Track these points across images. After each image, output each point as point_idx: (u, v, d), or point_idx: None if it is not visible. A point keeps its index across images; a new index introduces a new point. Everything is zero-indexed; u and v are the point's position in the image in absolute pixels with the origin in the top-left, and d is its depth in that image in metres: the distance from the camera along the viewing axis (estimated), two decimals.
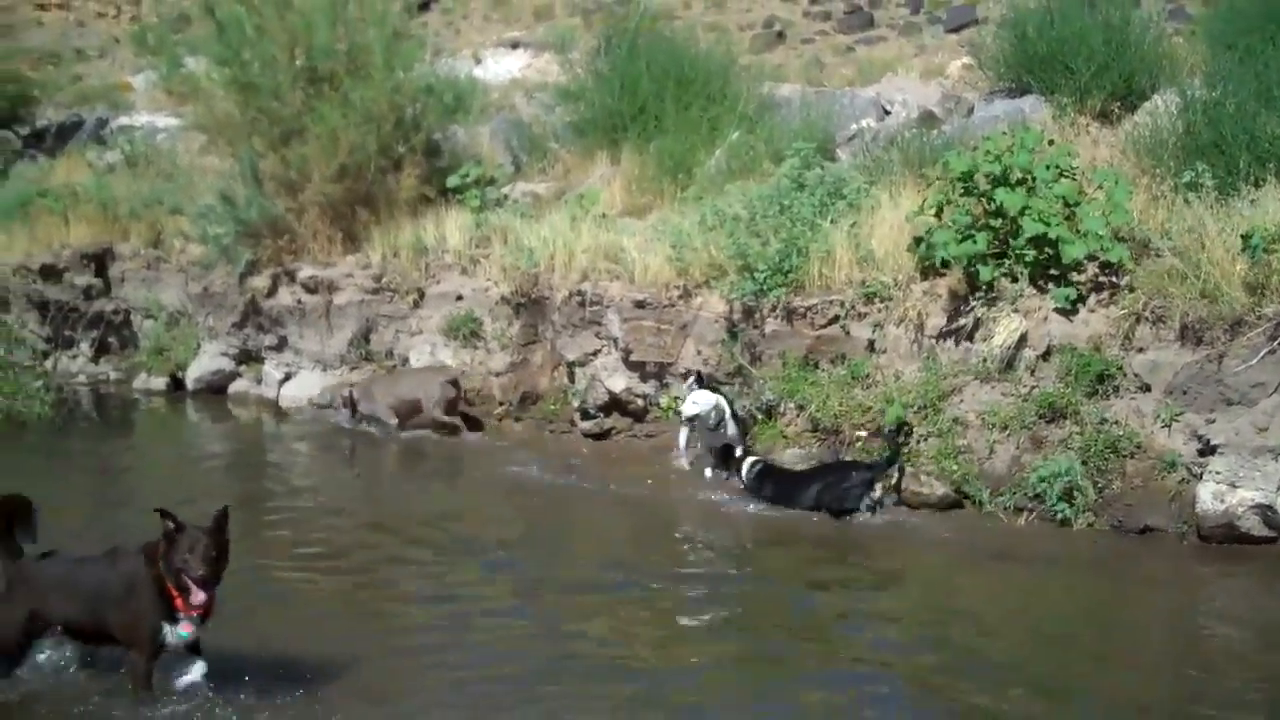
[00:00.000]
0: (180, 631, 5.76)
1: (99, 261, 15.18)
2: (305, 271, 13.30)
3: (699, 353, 10.81)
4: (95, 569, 5.92)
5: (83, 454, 11.71)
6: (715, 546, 8.82)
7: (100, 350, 15.27)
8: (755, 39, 24.68)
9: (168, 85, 17.52)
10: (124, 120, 19.55)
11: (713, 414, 9.89)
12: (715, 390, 10.19)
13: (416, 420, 11.82)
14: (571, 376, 11.84)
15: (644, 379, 11.28)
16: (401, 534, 8.86)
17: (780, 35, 25.32)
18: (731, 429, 10.04)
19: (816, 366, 10.20)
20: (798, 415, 10.11)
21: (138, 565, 5.74)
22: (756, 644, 6.88)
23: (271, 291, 13.49)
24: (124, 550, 5.89)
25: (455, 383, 11.82)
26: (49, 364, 14.61)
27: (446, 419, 11.73)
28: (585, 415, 11.52)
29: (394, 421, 11.90)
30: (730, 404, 10.13)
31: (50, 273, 15.04)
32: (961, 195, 9.71)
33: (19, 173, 17.43)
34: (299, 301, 13.30)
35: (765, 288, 10.31)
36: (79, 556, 6.08)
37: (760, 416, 10.33)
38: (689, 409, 9.88)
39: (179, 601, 5.65)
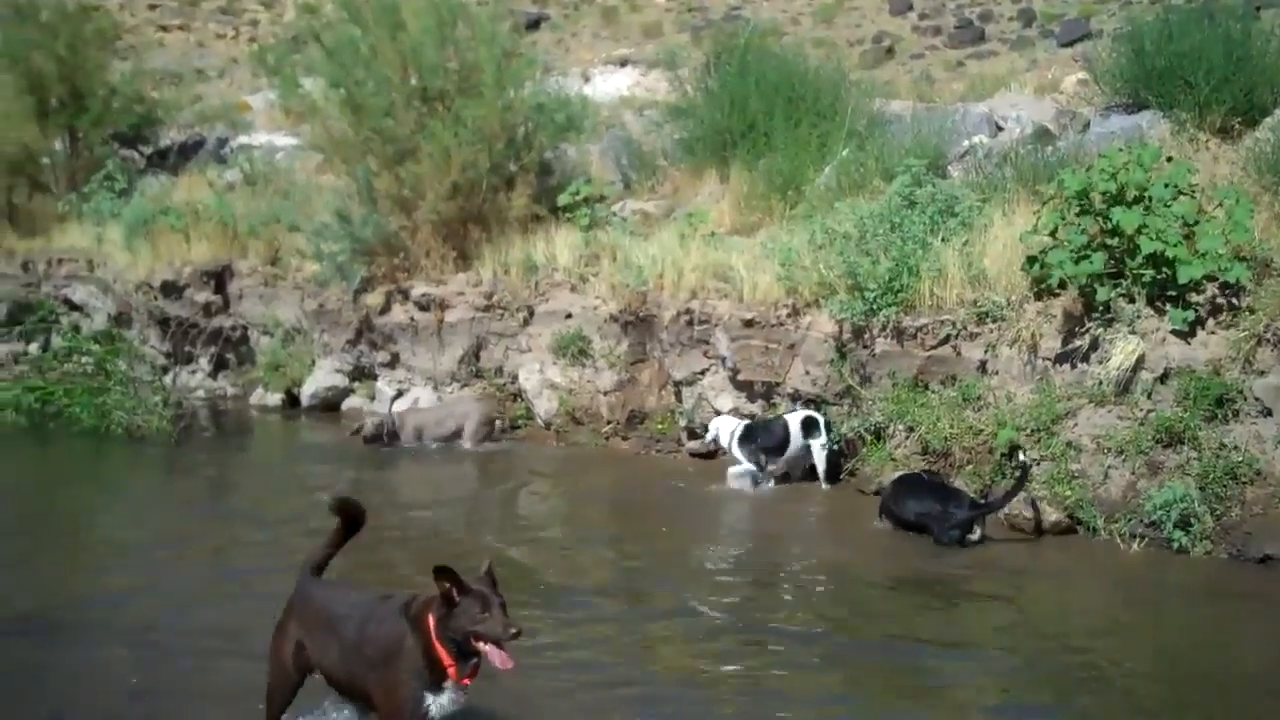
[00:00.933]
0: (444, 702, 5.15)
1: (218, 278, 15.54)
2: (418, 289, 13.49)
3: (807, 372, 10.76)
4: (362, 616, 5.33)
5: (200, 469, 11.97)
6: (822, 567, 8.77)
7: (219, 366, 15.63)
8: (864, 54, 24.55)
9: (285, 105, 17.95)
10: (243, 139, 20.00)
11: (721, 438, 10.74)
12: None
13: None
14: (679, 395, 11.87)
15: (752, 398, 11.26)
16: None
17: (890, 50, 25.17)
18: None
19: (927, 388, 10.10)
20: (907, 437, 10.02)
21: (403, 627, 5.15)
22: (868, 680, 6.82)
23: (385, 309, 13.70)
24: (392, 603, 5.33)
25: (489, 413, 12.43)
26: (169, 379, 14.95)
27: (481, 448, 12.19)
28: (692, 434, 11.54)
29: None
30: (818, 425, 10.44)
31: (171, 289, 15.43)
32: (1077, 214, 9.55)
33: (142, 191, 17.90)
34: (411, 319, 13.49)
35: (875, 307, 10.24)
36: (354, 597, 5.57)
37: (868, 437, 10.25)
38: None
39: (452, 670, 5.08)
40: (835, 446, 10.51)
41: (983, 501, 9.00)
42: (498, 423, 12.61)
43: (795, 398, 10.94)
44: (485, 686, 5.52)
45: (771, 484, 10.57)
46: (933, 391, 10.06)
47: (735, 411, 11.24)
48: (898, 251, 10.38)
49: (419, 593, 5.29)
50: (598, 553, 9.13)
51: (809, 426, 10.44)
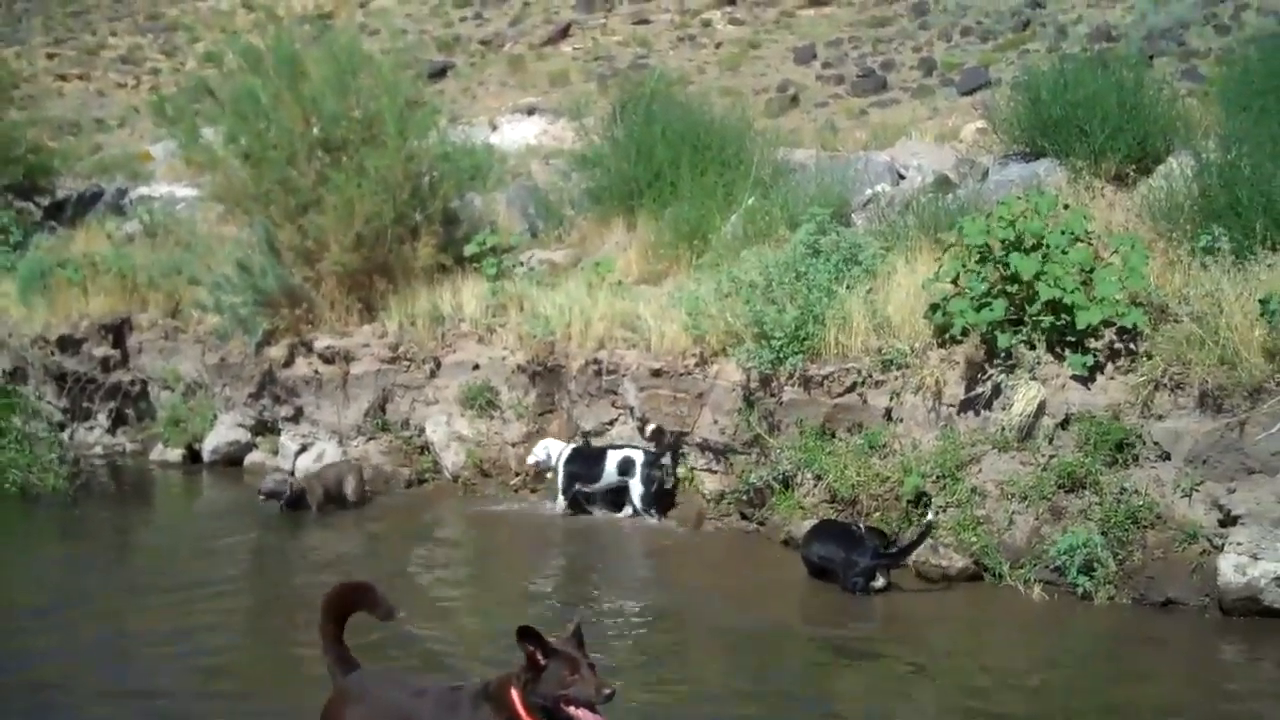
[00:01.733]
0: None
1: (117, 332, 15.19)
2: (322, 341, 13.30)
3: (715, 421, 10.76)
4: (435, 709, 4.99)
5: (98, 529, 11.69)
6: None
7: (117, 421, 15.25)
8: (770, 103, 24.82)
9: (186, 156, 17.67)
10: (143, 190, 19.65)
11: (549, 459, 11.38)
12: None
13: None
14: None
15: (659, 447, 11.21)
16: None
17: (794, 99, 25.48)
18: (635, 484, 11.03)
19: (834, 436, 10.13)
20: (815, 485, 10.03)
21: (485, 712, 4.83)
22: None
23: (288, 362, 13.47)
24: (468, 689, 5.02)
25: (361, 472, 12.21)
26: (66, 435, 14.58)
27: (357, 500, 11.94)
28: None
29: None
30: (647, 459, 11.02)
31: (68, 344, 15.06)
32: (977, 262, 9.66)
33: (38, 243, 17.48)
34: (316, 372, 13.29)
35: (782, 355, 10.26)
36: (417, 688, 5.23)
37: (776, 486, 10.25)
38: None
39: None
40: (666, 485, 11.13)
41: (885, 551, 9.01)
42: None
43: (704, 447, 10.92)
44: None
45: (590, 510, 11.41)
46: (840, 439, 10.09)
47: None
48: (803, 300, 10.43)
49: (495, 675, 4.98)
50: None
51: (625, 466, 11.02)
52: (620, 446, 11.34)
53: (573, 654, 4.73)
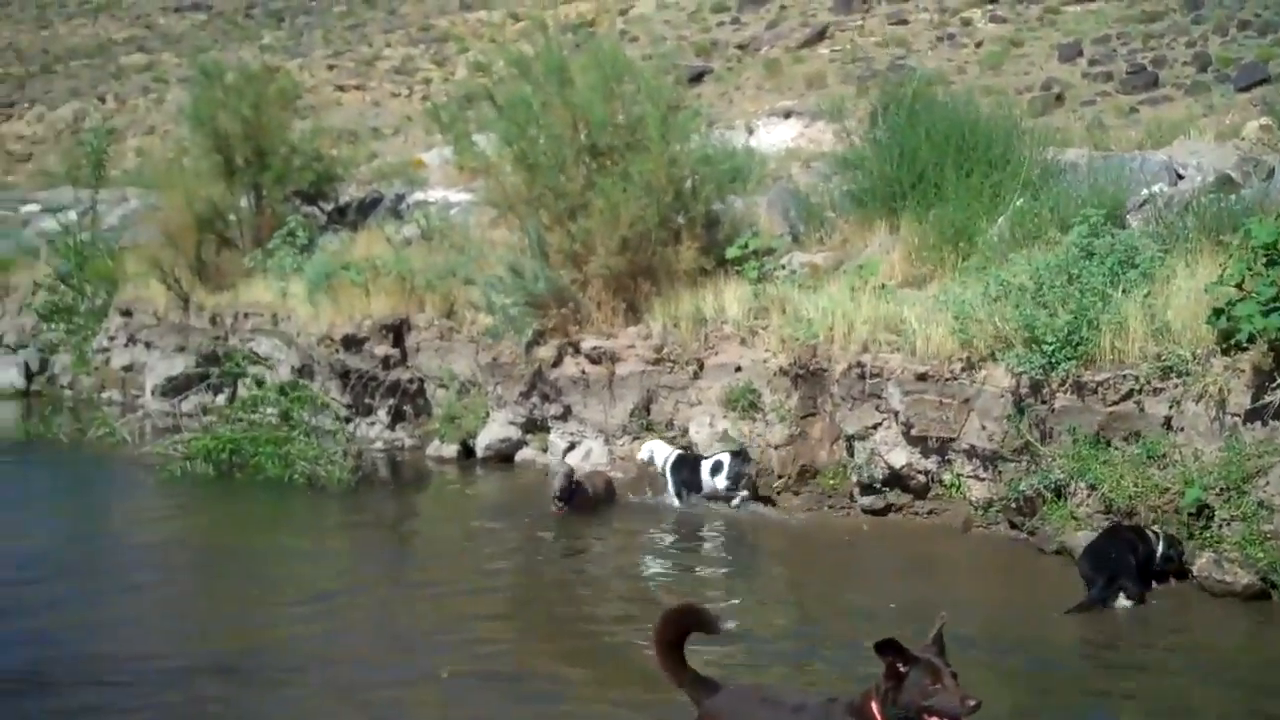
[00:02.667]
0: None
1: (396, 332, 15.95)
2: (589, 342, 13.68)
3: (983, 427, 10.59)
4: None
5: (376, 520, 12.28)
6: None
7: (396, 417, 16.00)
8: (1033, 101, 24.19)
9: (459, 162, 18.45)
10: (419, 196, 20.57)
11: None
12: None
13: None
14: (851, 450, 11.77)
15: (925, 454, 11.12)
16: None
17: (1059, 98, 24.76)
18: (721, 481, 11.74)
19: (1109, 444, 9.83)
20: (1089, 495, 9.77)
21: None
22: None
23: (557, 362, 13.91)
24: (840, 703, 4.80)
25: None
26: (349, 430, 15.41)
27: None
28: (865, 490, 11.45)
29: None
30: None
31: (351, 343, 15.90)
32: (1265, 264, 9.24)
33: (323, 247, 18.53)
34: (583, 372, 13.68)
35: (1053, 361, 10.03)
36: (795, 703, 5.00)
37: (1048, 495, 10.04)
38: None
39: None
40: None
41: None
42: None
43: (971, 454, 10.76)
44: None
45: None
46: (1115, 448, 9.79)
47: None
48: (1076, 304, 10.16)
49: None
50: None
51: (715, 468, 11.84)
52: (709, 456, 12.13)
53: (935, 662, 4.54)
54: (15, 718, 7.03)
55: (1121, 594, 8.68)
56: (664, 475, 12.21)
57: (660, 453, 12.28)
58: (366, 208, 20.87)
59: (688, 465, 12.13)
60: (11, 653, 8.02)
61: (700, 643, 5.46)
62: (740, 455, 11.92)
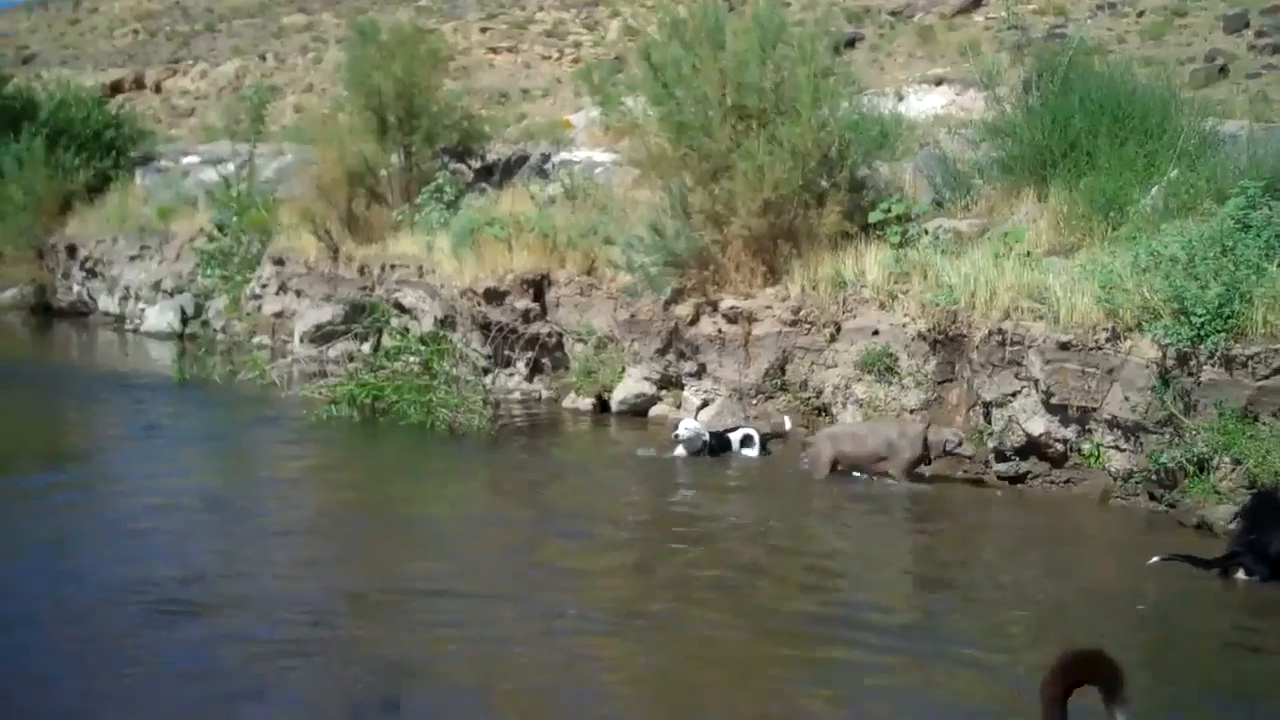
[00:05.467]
0: None
1: (537, 287, 16.17)
2: (726, 302, 13.72)
3: (1126, 398, 10.37)
4: None
5: (516, 468, 12.49)
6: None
7: (535, 370, 16.24)
8: (1195, 73, 23.39)
9: (606, 123, 18.59)
10: (564, 155, 20.76)
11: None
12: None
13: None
14: (988, 417, 11.64)
15: (1065, 423, 10.93)
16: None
17: (1223, 70, 23.91)
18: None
19: (1256, 419, 9.58)
20: (1233, 470, 9.53)
21: None
22: None
23: (694, 320, 13.99)
24: None
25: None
26: (489, 381, 15.68)
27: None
28: (1001, 457, 11.32)
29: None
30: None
31: (493, 296, 16.16)
32: None
33: (469, 203, 18.84)
34: (719, 331, 13.73)
35: (1203, 333, 9.79)
36: None
37: (1190, 468, 9.82)
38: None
39: None
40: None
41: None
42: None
43: (1113, 424, 10.55)
44: None
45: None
46: (1263, 423, 9.53)
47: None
48: (1229, 276, 9.89)
49: None
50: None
51: (745, 441, 12.54)
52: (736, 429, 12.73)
53: None
54: (165, 640, 7.34)
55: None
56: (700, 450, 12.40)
57: (692, 427, 12.49)
58: (512, 166, 21.14)
59: (718, 439, 12.54)
60: (161, 582, 8.35)
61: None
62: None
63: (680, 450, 12.36)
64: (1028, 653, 7.13)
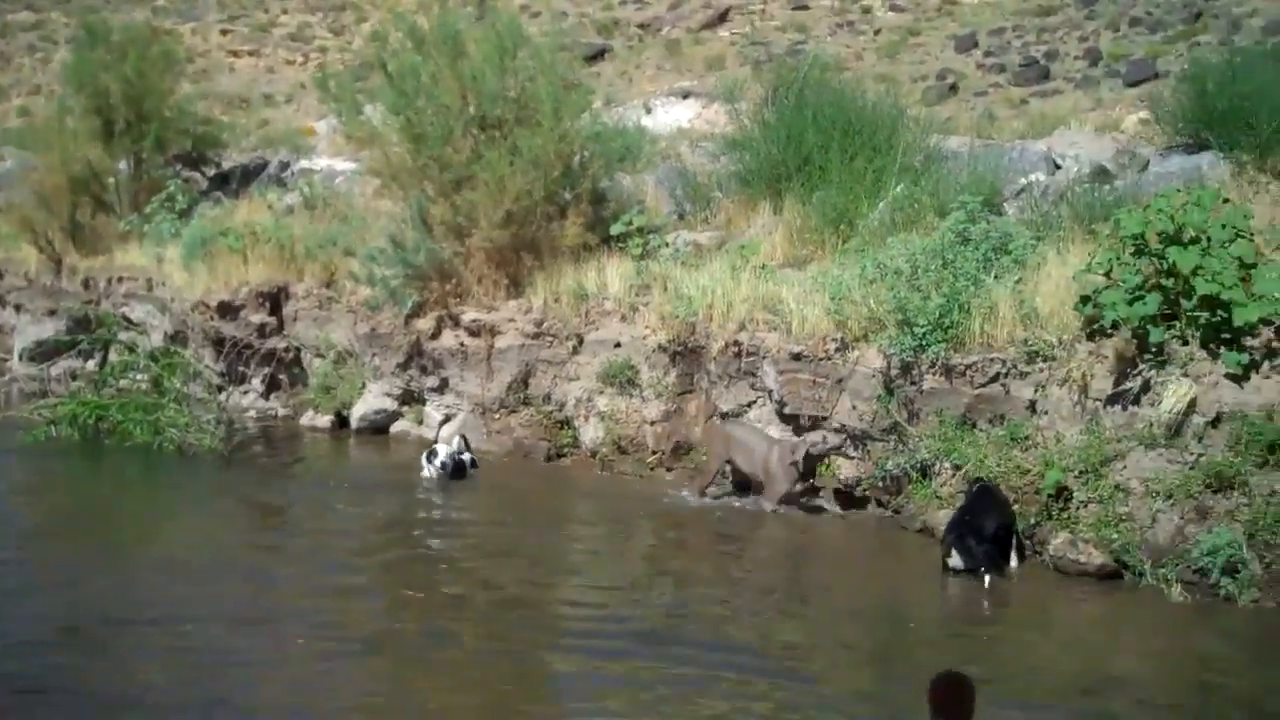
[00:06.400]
0: None
1: (274, 300, 15.62)
2: (469, 315, 13.53)
3: (854, 407, 10.66)
4: None
5: (247, 489, 12.03)
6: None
7: (271, 386, 15.70)
8: (928, 91, 24.40)
9: (347, 131, 18.12)
10: (305, 164, 20.15)
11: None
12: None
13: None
14: None
15: (798, 432, 11.16)
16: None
17: (953, 88, 25.01)
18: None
19: (974, 426, 9.98)
20: (954, 475, 9.88)
21: None
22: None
23: (436, 334, 13.75)
24: None
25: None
26: (223, 398, 15.08)
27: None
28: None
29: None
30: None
31: (227, 310, 15.55)
32: (1133, 254, 9.42)
33: (203, 213, 18.06)
34: (461, 344, 13.53)
35: (925, 343, 10.14)
36: None
37: (914, 474, 10.14)
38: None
39: None
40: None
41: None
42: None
43: (841, 433, 10.81)
44: None
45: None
46: (980, 430, 9.94)
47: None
48: (949, 288, 10.28)
49: None
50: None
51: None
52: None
53: None
54: None
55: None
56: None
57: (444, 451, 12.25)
58: (250, 174, 20.37)
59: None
60: None
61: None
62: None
63: (428, 472, 12.08)
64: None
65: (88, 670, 7.15)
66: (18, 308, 19.27)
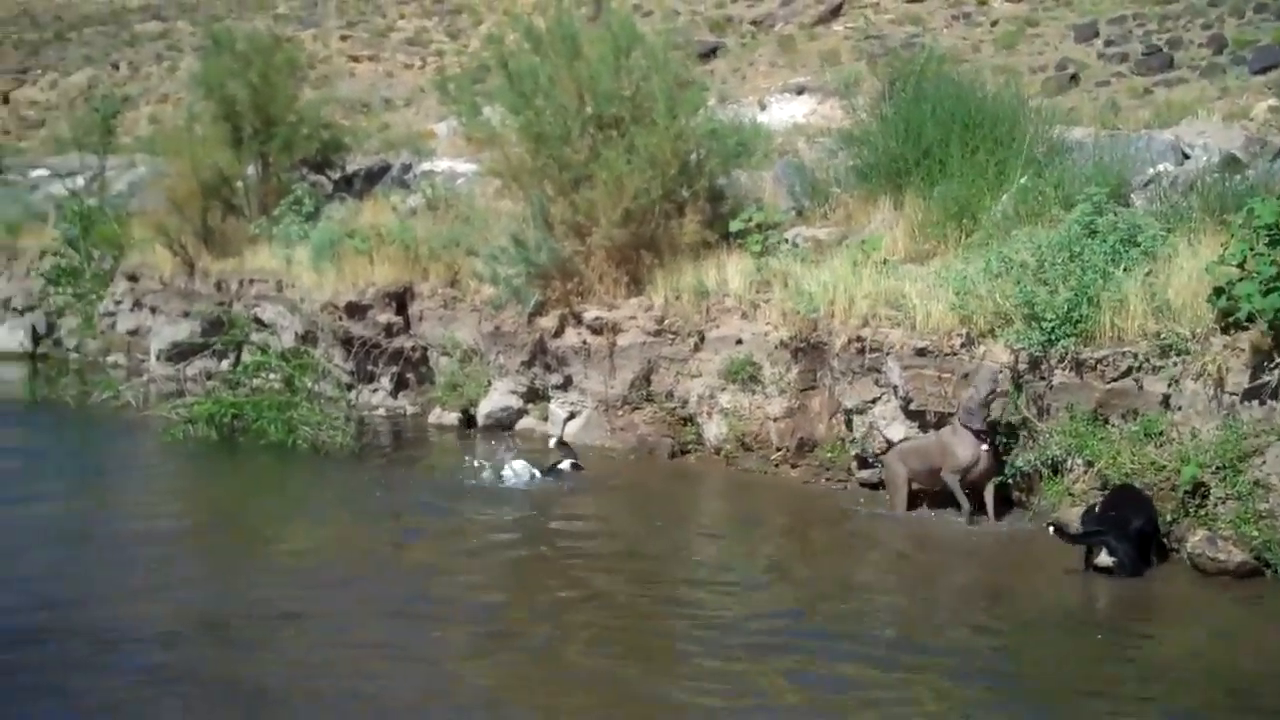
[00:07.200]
0: None
1: (400, 300, 15.94)
2: (591, 313, 13.68)
3: None
4: None
5: (378, 486, 12.27)
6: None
7: (399, 385, 16.01)
8: (1047, 82, 24.08)
9: (467, 133, 18.41)
10: (426, 166, 20.54)
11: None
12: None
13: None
14: (849, 424, 11.77)
15: (924, 428, 11.10)
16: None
17: (1074, 78, 24.65)
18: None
19: (1106, 421, 9.83)
20: (1085, 472, 9.76)
21: None
22: None
23: (558, 332, 13.92)
24: None
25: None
26: (352, 396, 15.43)
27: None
28: (863, 464, 11.45)
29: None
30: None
31: (355, 310, 15.90)
32: (1267, 245, 9.20)
33: (329, 214, 18.51)
34: (584, 342, 13.68)
35: (1053, 338, 10.02)
36: None
37: (1044, 471, 10.03)
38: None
39: None
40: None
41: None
42: None
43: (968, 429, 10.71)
44: None
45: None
46: (1113, 425, 9.79)
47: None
48: (1077, 281, 10.14)
49: None
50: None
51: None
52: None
53: None
54: (15, 667, 7.07)
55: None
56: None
57: (520, 468, 12.08)
58: (373, 177, 20.84)
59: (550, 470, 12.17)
60: (7, 610, 8.05)
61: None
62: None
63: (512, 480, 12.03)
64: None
65: (228, 661, 7.39)
66: (154, 310, 19.91)
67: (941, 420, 10.91)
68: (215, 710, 6.65)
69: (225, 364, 17.46)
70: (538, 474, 11.98)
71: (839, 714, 6.53)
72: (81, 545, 10.06)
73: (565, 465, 12.19)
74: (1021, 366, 10.32)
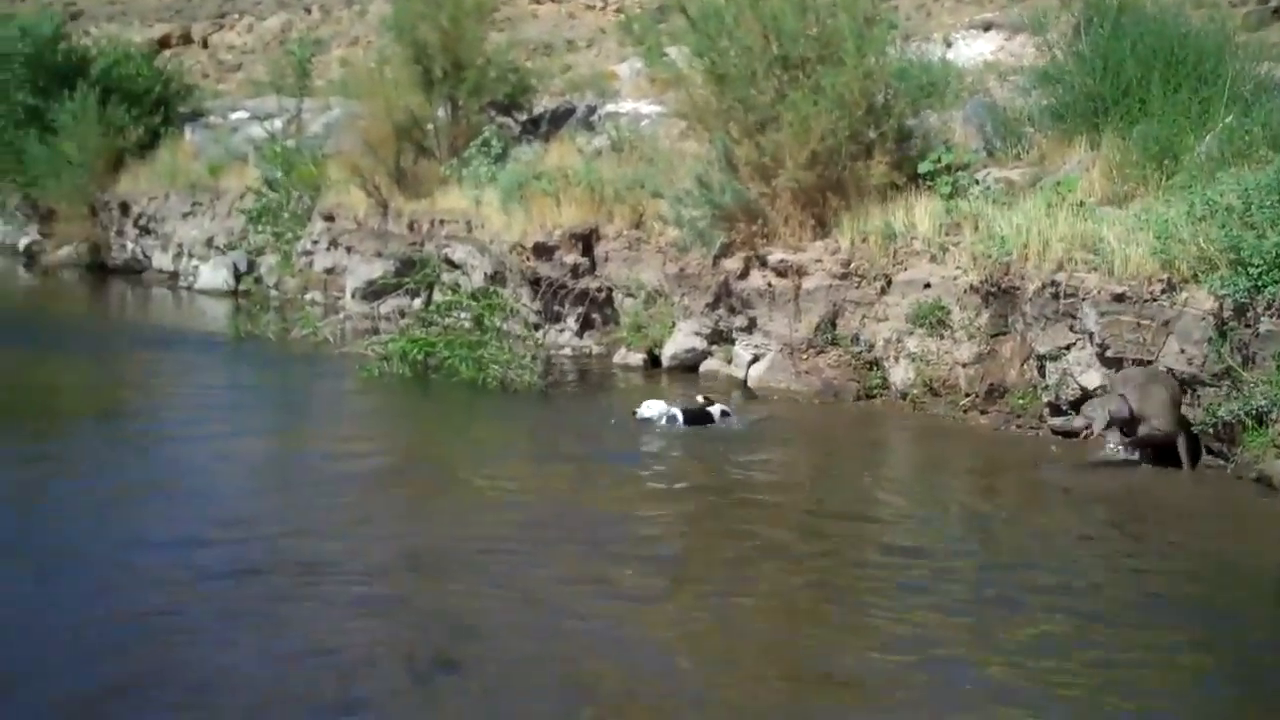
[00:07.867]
0: None
1: (586, 241, 16.16)
2: (776, 256, 13.67)
3: (1182, 351, 10.27)
4: None
5: (568, 423, 12.50)
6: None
7: (584, 325, 16.27)
8: (1248, 15, 22.91)
9: (650, 74, 18.48)
10: (610, 108, 20.67)
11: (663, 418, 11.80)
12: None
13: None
14: (1042, 370, 11.57)
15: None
16: None
17: (1276, 12, 23.42)
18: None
19: None
20: None
21: None
22: None
23: (743, 274, 13.95)
24: None
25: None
26: (539, 336, 15.75)
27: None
28: (1055, 411, 11.26)
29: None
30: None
31: (542, 251, 16.18)
32: None
33: (516, 157, 18.82)
34: (769, 284, 13.69)
35: (1260, 284, 9.66)
36: None
37: (1248, 422, 9.72)
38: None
39: None
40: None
41: None
42: None
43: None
44: None
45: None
46: None
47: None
48: None
49: None
50: None
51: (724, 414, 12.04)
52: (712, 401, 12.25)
53: None
54: (230, 597, 7.44)
55: None
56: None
57: (658, 408, 11.92)
58: (559, 119, 21.07)
59: (697, 416, 11.97)
60: (222, 542, 8.43)
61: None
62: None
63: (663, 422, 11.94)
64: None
65: (435, 594, 7.65)
66: (349, 249, 20.55)
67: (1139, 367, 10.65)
68: (427, 635, 6.91)
69: (418, 303, 17.93)
70: (678, 415, 11.85)
71: (1044, 685, 6.26)
72: (286, 481, 10.51)
73: (715, 410, 12.13)
74: (1226, 314, 9.99)
